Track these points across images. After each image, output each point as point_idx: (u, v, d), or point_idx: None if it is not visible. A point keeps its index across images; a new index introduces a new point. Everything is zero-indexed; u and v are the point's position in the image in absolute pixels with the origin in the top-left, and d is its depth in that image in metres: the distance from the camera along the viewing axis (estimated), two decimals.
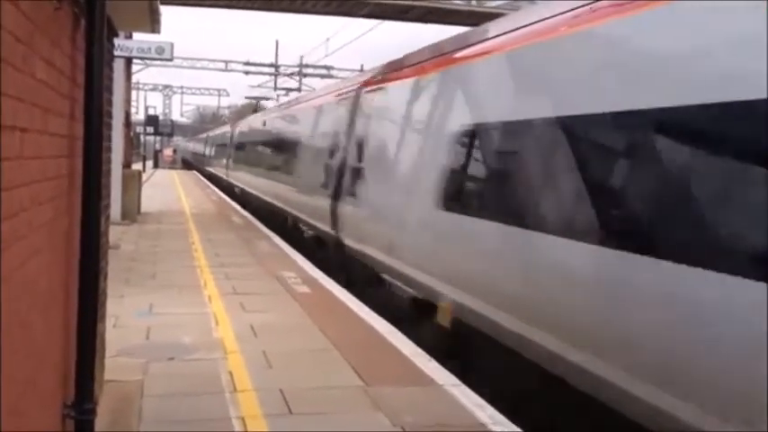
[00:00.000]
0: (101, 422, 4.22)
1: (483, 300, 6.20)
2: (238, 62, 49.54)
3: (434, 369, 6.16)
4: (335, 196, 11.19)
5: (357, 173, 10.26)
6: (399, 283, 8.21)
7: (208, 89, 69.70)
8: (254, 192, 21.96)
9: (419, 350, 6.70)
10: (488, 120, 6.57)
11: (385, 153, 9.39)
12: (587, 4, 5.57)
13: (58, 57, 3.25)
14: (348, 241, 10.51)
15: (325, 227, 11.76)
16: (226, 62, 50.31)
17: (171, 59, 16.35)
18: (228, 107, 75.77)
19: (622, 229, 4.66)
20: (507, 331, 5.78)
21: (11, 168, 2.41)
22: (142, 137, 48.90)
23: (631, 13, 4.92)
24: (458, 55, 7.78)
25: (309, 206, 13.32)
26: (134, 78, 31.97)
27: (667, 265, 4.14)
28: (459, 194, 6.94)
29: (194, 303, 8.45)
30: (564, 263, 5.07)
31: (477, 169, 6.80)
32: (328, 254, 11.66)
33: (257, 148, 23.05)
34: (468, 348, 6.70)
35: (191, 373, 5.83)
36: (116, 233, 13.34)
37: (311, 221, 13.14)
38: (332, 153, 11.99)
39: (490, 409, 5.22)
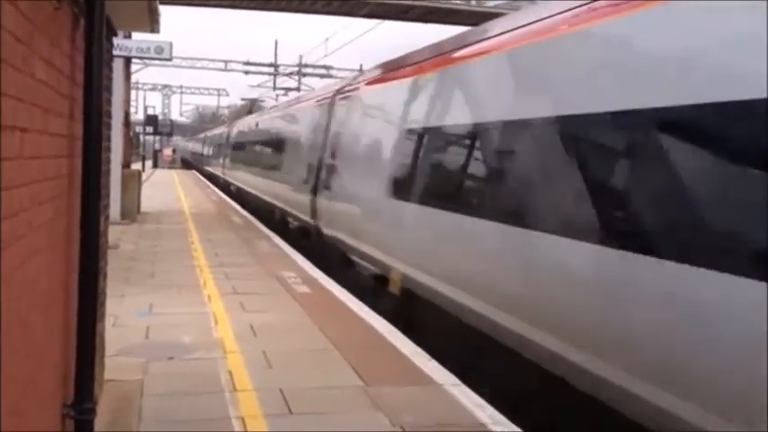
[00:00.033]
0: (100, 422, 4.22)
1: (423, 271, 7.59)
2: (238, 62, 49.53)
3: (434, 369, 6.16)
4: (314, 191, 12.85)
5: (330, 170, 12.02)
6: (364, 263, 9.65)
7: (207, 89, 69.65)
8: (246, 188, 23.82)
9: (419, 350, 6.70)
10: (424, 125, 8.19)
11: (351, 152, 11.08)
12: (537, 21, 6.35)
13: (57, 56, 3.25)
14: (325, 230, 12.09)
15: (306, 217, 13.46)
16: (225, 62, 50.29)
17: (170, 59, 16.36)
18: (228, 107, 75.75)
19: (523, 205, 5.79)
20: (441, 295, 7.12)
21: (11, 168, 2.41)
22: (141, 137, 48.93)
23: (591, 24, 5.40)
24: (403, 70, 9.56)
25: (293, 200, 15.01)
26: (133, 78, 31.97)
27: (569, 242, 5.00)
28: (404, 185, 8.36)
29: (194, 303, 8.45)
30: (473, 237, 6.50)
31: (420, 164, 8.08)
32: (311, 242, 13.16)
33: (249, 148, 24.92)
34: (413, 311, 8.03)
35: (190, 373, 5.83)
36: (115, 233, 13.34)
37: (295, 213, 14.79)
38: (312, 152, 13.71)
39: (490, 409, 5.22)
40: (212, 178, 39.92)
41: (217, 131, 45.27)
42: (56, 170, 3.31)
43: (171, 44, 15.31)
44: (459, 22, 26.88)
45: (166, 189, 30.82)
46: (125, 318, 7.50)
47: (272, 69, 48.71)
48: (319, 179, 12.64)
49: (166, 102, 70.76)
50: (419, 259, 7.76)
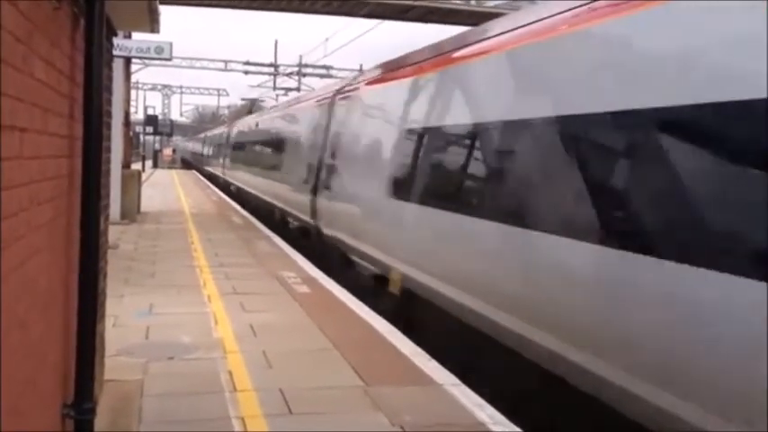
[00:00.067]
0: (100, 422, 4.22)
1: (423, 271, 7.71)
2: (238, 62, 49.47)
3: (434, 369, 6.16)
4: (314, 191, 12.91)
5: (330, 170, 12.03)
6: (364, 263, 9.74)
7: (207, 89, 69.61)
8: (246, 188, 23.96)
9: (419, 350, 6.70)
10: (422, 125, 8.29)
11: (351, 152, 11.11)
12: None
13: (57, 56, 3.25)
14: (325, 230, 12.14)
15: (306, 217, 13.53)
16: (225, 62, 50.25)
17: (170, 59, 16.37)
18: (228, 107, 75.73)
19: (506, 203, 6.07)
20: (441, 295, 7.20)
21: (10, 168, 2.41)
22: (141, 136, 48.92)
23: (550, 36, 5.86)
24: (402, 71, 9.68)
25: (293, 200, 15.07)
26: (133, 78, 31.96)
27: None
28: (403, 185, 8.49)
29: (194, 303, 8.45)
30: (470, 235, 6.58)
31: (419, 164, 8.18)
32: (311, 242, 13.27)
33: (249, 149, 25.08)
34: (413, 311, 8.07)
35: (190, 373, 5.83)
36: (115, 233, 13.34)
37: (295, 213, 14.86)
38: (312, 152, 13.76)
39: (490, 409, 5.22)
40: (212, 178, 40.19)
41: (216, 131, 45.61)
42: (56, 170, 3.31)
43: (171, 44, 15.31)
44: (459, 22, 26.85)
45: (166, 189, 30.82)
46: (125, 318, 7.50)
47: (272, 69, 48.70)
48: (319, 179, 12.70)
49: (166, 102, 70.77)
50: (418, 259, 7.83)
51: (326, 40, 40.86)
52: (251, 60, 48.49)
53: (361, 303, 8.69)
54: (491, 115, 6.63)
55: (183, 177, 43.00)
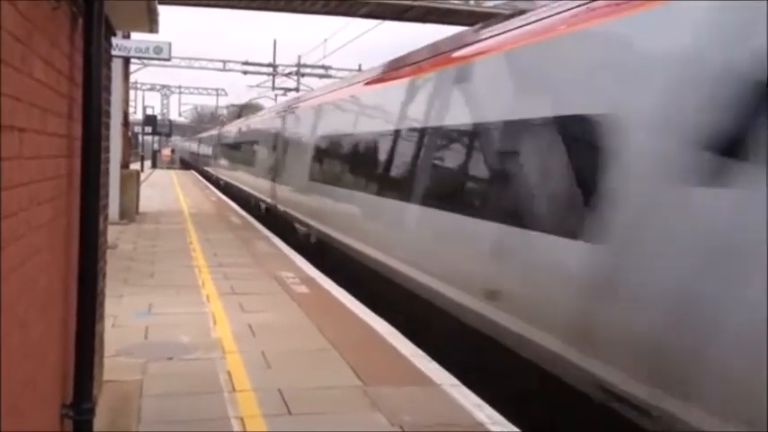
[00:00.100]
0: (99, 422, 4.22)
1: (320, 222, 12.51)
2: (236, 62, 49.37)
3: (433, 369, 6.16)
4: (273, 179, 17.96)
5: (281, 164, 17.13)
6: (299, 226, 14.57)
7: (206, 89, 69.56)
8: (230, 180, 29.59)
9: (418, 351, 6.70)
10: (328, 133, 12.80)
11: (291, 151, 16.23)
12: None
13: (56, 56, 3.24)
14: (279, 206, 17.05)
15: (269, 199, 18.55)
16: (224, 62, 50.16)
17: (169, 59, 16.34)
18: (227, 107, 75.67)
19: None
20: (338, 241, 11.18)
21: (10, 168, 2.41)
22: (140, 137, 48.90)
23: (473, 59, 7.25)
24: (321, 94, 15.21)
25: (261, 187, 20.19)
26: (132, 78, 31.95)
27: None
28: (317, 172, 13.24)
29: (193, 303, 8.45)
30: (351, 201, 10.52)
31: (323, 158, 13.02)
32: (273, 216, 18.10)
33: (232, 149, 30.80)
34: (323, 252, 12.39)
35: (189, 373, 5.83)
36: (114, 233, 13.33)
37: (263, 197, 19.94)
38: (272, 151, 19.01)
39: (489, 409, 5.23)
40: (207, 177, 42.59)
41: (209, 134, 49.65)
42: (55, 170, 3.30)
43: (170, 44, 15.30)
44: (457, 22, 26.83)
45: (165, 189, 30.81)
46: (124, 318, 7.50)
47: (270, 69, 48.68)
48: (276, 171, 17.74)
49: (165, 102, 70.71)
50: (323, 219, 12.24)
51: (325, 41, 40.87)
52: (250, 60, 48.44)
53: (359, 304, 8.69)
54: (360, 128, 10.96)
55: (181, 178, 43.00)
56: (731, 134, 3.79)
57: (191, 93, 70.66)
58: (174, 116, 73.78)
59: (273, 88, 48.73)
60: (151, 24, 5.58)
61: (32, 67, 2.74)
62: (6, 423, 2.46)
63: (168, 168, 61.48)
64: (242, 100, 63.70)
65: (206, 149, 47.84)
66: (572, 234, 4.88)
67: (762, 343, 3.32)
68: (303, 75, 47.36)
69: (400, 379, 5.89)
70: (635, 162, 4.46)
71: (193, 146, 62.83)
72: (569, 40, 5.60)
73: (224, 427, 4.76)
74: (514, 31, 6.58)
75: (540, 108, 5.68)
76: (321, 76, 45.10)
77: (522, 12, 7.11)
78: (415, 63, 9.08)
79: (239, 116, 47.32)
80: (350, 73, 33.78)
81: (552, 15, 6.04)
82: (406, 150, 8.54)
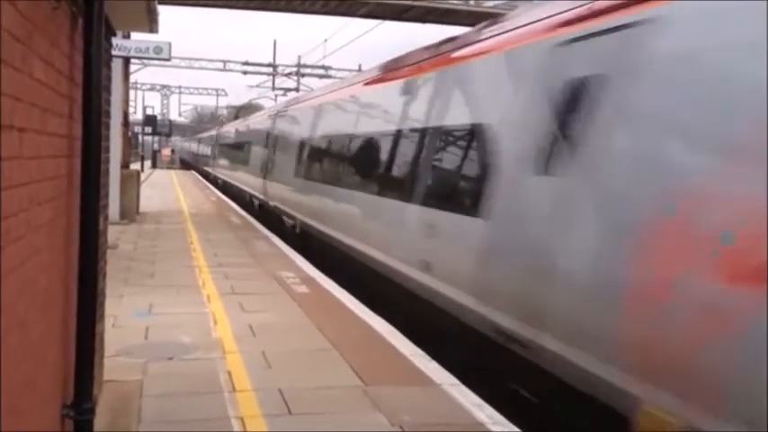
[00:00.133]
0: (100, 422, 4.22)
1: (304, 214, 14.00)
2: (236, 62, 49.41)
3: (433, 369, 6.16)
4: (264, 177, 19.35)
5: (272, 162, 18.52)
6: (287, 219, 15.95)
7: (206, 89, 69.61)
8: (227, 179, 31.14)
9: (418, 350, 6.71)
10: (311, 136, 14.33)
11: (280, 151, 17.66)
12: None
13: (56, 56, 3.24)
14: (270, 202, 18.48)
15: (261, 195, 20.01)
16: (224, 62, 50.19)
17: (169, 59, 16.35)
18: (227, 107, 75.70)
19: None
20: (318, 231, 12.56)
21: (10, 168, 2.41)
22: (140, 137, 48.91)
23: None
24: (306, 102, 16.59)
25: (254, 184, 21.56)
26: (132, 78, 31.94)
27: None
28: (302, 170, 14.59)
29: (193, 303, 8.45)
30: (344, 199, 11.01)
31: (305, 158, 14.47)
32: (265, 212, 19.52)
33: (229, 149, 32.18)
34: (308, 242, 13.75)
35: (190, 373, 5.83)
36: (114, 233, 13.34)
37: (255, 193, 21.41)
38: (264, 151, 20.40)
39: (489, 409, 5.23)
40: (207, 176, 43.30)
41: (207, 134, 50.50)
42: (55, 170, 3.30)
43: (170, 44, 15.30)
44: (457, 22, 26.83)
45: (165, 189, 30.81)
46: (124, 318, 7.50)
47: (270, 70, 48.68)
48: (267, 169, 19.05)
49: (165, 102, 70.72)
50: (310, 213, 13.35)
51: (325, 41, 40.87)
52: (250, 60, 48.47)
53: (359, 303, 8.70)
54: (330, 131, 12.85)
55: (181, 178, 43.01)
56: (553, 139, 5.27)
57: (191, 93, 70.74)
58: (174, 116, 73.90)
59: (273, 88, 48.77)
60: (151, 24, 5.58)
61: (32, 67, 2.74)
62: (6, 423, 2.46)
63: (168, 168, 61.51)
64: (242, 100, 63.78)
65: (205, 149, 48.65)
66: (474, 213, 6.29)
67: (579, 279, 4.69)
68: (303, 75, 47.39)
69: (400, 379, 5.89)
70: (504, 158, 6.06)
71: (193, 146, 63.21)
72: (471, 68, 7.40)
73: (224, 427, 4.76)
74: (436, 57, 8.63)
75: (442, 119, 7.66)
76: (321, 77, 45.13)
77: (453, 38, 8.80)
78: (372, 78, 11.33)
79: (237, 117, 47.73)
80: (350, 73, 33.89)
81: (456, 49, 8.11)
82: (362, 151, 10.47)
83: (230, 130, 34.81)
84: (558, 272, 4.88)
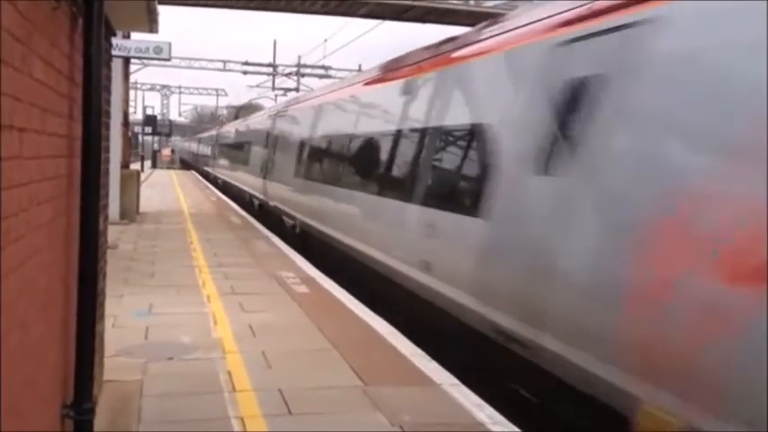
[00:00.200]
0: (100, 422, 4.22)
1: (303, 213, 14.14)
2: (236, 62, 49.39)
3: (433, 369, 6.16)
4: (264, 177, 19.53)
5: (272, 162, 18.66)
6: (287, 219, 16.08)
7: (206, 89, 69.59)
8: (227, 179, 31.42)
9: (418, 350, 6.71)
10: (311, 136, 14.47)
11: (281, 151, 17.80)
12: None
13: (56, 56, 3.24)
14: (270, 201, 18.65)
15: (261, 195, 20.19)
16: (224, 62, 50.18)
17: (169, 59, 16.35)
18: (227, 107, 75.72)
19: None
20: (318, 230, 12.65)
21: (9, 168, 2.41)
22: (140, 137, 48.91)
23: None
24: (305, 102, 16.79)
25: (254, 184, 21.75)
26: (132, 78, 31.93)
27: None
28: (302, 170, 14.61)
29: (193, 303, 8.45)
30: (345, 200, 10.94)
31: (307, 158, 14.48)
32: (265, 212, 19.75)
33: (228, 149, 32.64)
34: (308, 242, 13.82)
35: (190, 373, 5.83)
36: (115, 233, 13.34)
37: (255, 193, 21.62)
38: (264, 151, 20.55)
39: (489, 409, 5.23)
40: (206, 176, 43.50)
41: (207, 134, 50.76)
42: (55, 170, 3.30)
43: (170, 44, 15.30)
44: (457, 22, 26.83)
45: (165, 189, 30.81)
46: (124, 318, 7.50)
47: (270, 69, 48.68)
48: (267, 170, 19.22)
49: (165, 102, 70.70)
50: (311, 213, 13.40)
51: (325, 41, 40.86)
52: (250, 60, 48.47)
53: (360, 303, 8.70)
54: (323, 133, 13.36)
55: (181, 178, 43.01)
56: (551, 142, 5.31)
57: (191, 93, 70.73)
58: (174, 116, 73.89)
59: (273, 88, 48.75)
60: (151, 24, 5.58)
61: (32, 67, 2.74)
62: (6, 423, 2.46)
63: (168, 168, 61.53)
64: (242, 100, 63.79)
65: (205, 149, 48.88)
66: (474, 214, 6.32)
67: (578, 278, 4.70)
68: (303, 75, 47.38)
69: (400, 379, 5.89)
70: (504, 158, 6.08)
71: (193, 146, 63.31)
72: (471, 68, 7.44)
73: (224, 427, 4.76)
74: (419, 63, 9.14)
75: (435, 121, 7.85)
76: (321, 77, 45.11)
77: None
78: (371, 78, 11.55)
79: (236, 117, 47.86)
80: (350, 73, 33.95)
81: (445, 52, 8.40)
82: (362, 151, 10.58)
83: (230, 130, 35.02)
84: (558, 271, 4.88)
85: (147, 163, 54.58)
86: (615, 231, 4.45)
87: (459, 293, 6.48)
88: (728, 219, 3.69)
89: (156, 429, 4.67)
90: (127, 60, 19.11)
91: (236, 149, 28.68)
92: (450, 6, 27.37)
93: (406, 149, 8.50)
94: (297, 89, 45.85)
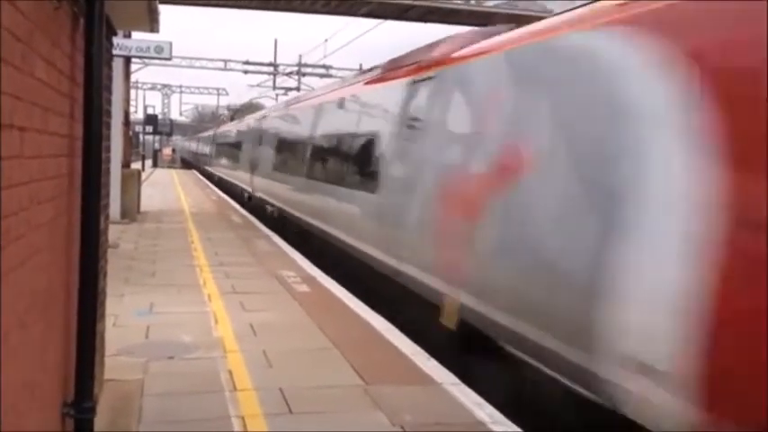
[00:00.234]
0: (100, 421, 4.23)
1: (278, 200, 17.10)
2: (237, 61, 49.34)
3: (434, 368, 6.17)
4: (252, 172, 22.20)
5: (258, 159, 21.33)
6: (268, 206, 18.66)
7: (207, 88, 69.54)
8: (223, 176, 33.95)
9: (419, 349, 6.71)
10: (286, 137, 17.56)
11: (265, 149, 20.42)
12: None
13: (57, 56, 3.25)
14: (255, 193, 21.52)
15: (248, 188, 23.08)
16: (225, 61, 50.16)
17: (170, 59, 16.36)
18: (227, 106, 75.72)
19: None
20: (296, 217, 14.88)
21: (10, 167, 2.41)
22: (141, 136, 48.92)
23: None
24: (290, 108, 19.40)
25: (242, 178, 24.67)
26: (133, 77, 31.95)
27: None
28: (279, 165, 17.60)
29: (194, 302, 8.45)
30: (309, 188, 13.63)
31: (281, 155, 17.84)
32: (253, 203, 22.48)
33: (224, 147, 35.40)
34: (286, 223, 16.14)
35: (190, 372, 5.83)
36: (115, 232, 13.34)
37: (243, 186, 24.51)
38: (252, 149, 23.20)
39: (489, 408, 5.23)
40: (205, 174, 44.68)
41: (206, 134, 52.07)
42: (56, 169, 3.31)
43: (170, 44, 15.29)
44: (459, 21, 26.81)
45: (166, 188, 30.83)
46: (125, 317, 7.51)
47: (271, 69, 48.66)
48: (253, 165, 21.90)
49: (166, 101, 70.70)
50: (289, 201, 15.72)
51: (326, 40, 40.83)
52: (250, 60, 48.43)
53: (360, 303, 8.71)
54: (292, 135, 16.45)
55: (182, 177, 43.02)
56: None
57: (191, 92, 70.75)
58: (174, 115, 73.89)
59: (274, 88, 48.72)
60: (152, 24, 5.59)
61: (34, 67, 2.74)
62: (7, 422, 2.46)
63: (169, 167, 61.58)
64: (243, 99, 63.82)
65: (204, 149, 49.97)
66: (372, 191, 9.26)
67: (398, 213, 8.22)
68: (304, 74, 47.37)
69: (401, 378, 5.89)
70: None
71: (193, 145, 63.65)
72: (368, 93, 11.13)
73: (225, 426, 4.76)
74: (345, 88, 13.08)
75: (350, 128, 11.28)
76: (322, 76, 45.10)
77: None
78: (321, 94, 15.31)
79: (232, 119, 48.45)
80: (349, 72, 34.07)
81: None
82: (312, 151, 13.93)
83: (225, 130, 38.80)
84: (408, 223, 7.86)
85: (148, 162, 54.62)
86: (426, 197, 7.52)
87: (365, 245, 9.41)
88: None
89: (156, 429, 4.67)
90: (128, 60, 19.12)
91: (230, 148, 31.87)
92: (452, 6, 27.35)
93: (334, 151, 12.26)
94: (298, 89, 45.86)
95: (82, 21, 3.74)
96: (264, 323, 7.51)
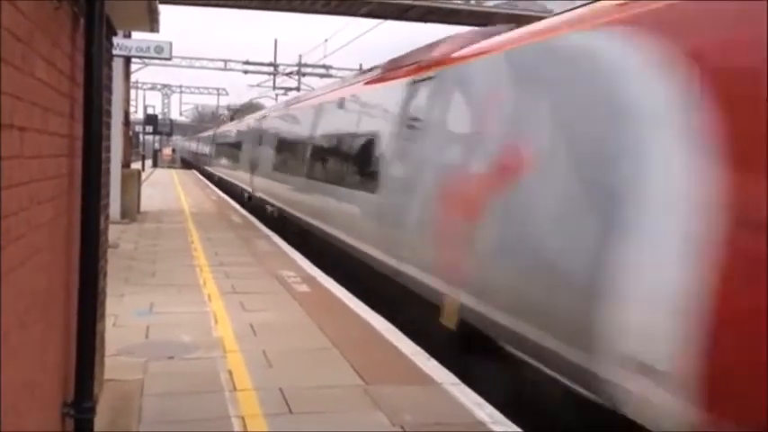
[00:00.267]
0: (100, 421, 4.23)
1: (278, 200, 17.23)
2: (237, 61, 49.33)
3: (434, 368, 6.17)
4: (252, 172, 22.44)
5: (257, 159, 21.51)
6: (269, 206, 18.77)
7: (207, 88, 69.54)
8: (223, 176, 34.28)
9: (419, 349, 6.71)
10: (285, 138, 17.83)
11: (264, 149, 20.58)
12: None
13: (57, 56, 3.25)
14: (255, 193, 21.75)
15: (248, 187, 23.33)
16: (225, 61, 50.15)
17: (170, 59, 16.36)
18: (227, 106, 75.72)
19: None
20: (293, 215, 15.21)
21: (10, 167, 2.41)
22: (141, 136, 48.94)
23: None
24: (287, 109, 19.98)
25: (242, 178, 24.89)
26: (133, 77, 31.96)
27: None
28: (278, 165, 17.80)
29: (194, 302, 8.45)
30: (308, 189, 13.74)
31: (280, 155, 18.07)
32: (252, 202, 22.74)
33: (224, 147, 35.87)
34: (285, 222, 16.45)
35: (190, 372, 5.83)
36: (115, 232, 13.34)
37: (243, 186, 24.73)
38: (252, 149, 23.52)
39: (489, 408, 5.23)
40: (205, 174, 44.89)
41: (206, 134, 52.63)
42: (56, 169, 3.31)
43: (170, 44, 15.29)
44: (459, 21, 26.81)
45: (166, 188, 30.83)
46: (125, 317, 7.51)
47: (271, 69, 48.65)
48: (253, 165, 22.13)
49: (166, 101, 70.69)
50: (287, 201, 15.99)
51: (326, 40, 40.82)
52: (250, 60, 48.42)
53: (360, 303, 8.71)
54: (314, 133, 14.64)
55: (182, 177, 43.02)
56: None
57: (192, 92, 70.74)
58: (174, 115, 73.88)
59: (274, 88, 48.71)
60: (152, 24, 5.59)
61: (34, 67, 2.74)
62: (7, 422, 2.46)
63: (169, 167, 61.60)
64: (243, 99, 63.83)
65: (204, 149, 50.23)
66: (372, 191, 9.36)
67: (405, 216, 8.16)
68: (304, 74, 47.37)
69: (401, 378, 5.89)
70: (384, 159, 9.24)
71: (193, 145, 63.80)
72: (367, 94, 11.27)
73: (225, 426, 4.76)
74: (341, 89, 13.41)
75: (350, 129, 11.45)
76: (322, 76, 45.09)
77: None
78: (321, 94, 15.44)
79: (232, 119, 48.64)
80: (349, 72, 34.10)
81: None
82: (312, 151, 14.00)
83: (225, 130, 39.19)
84: (408, 222, 7.91)
85: (148, 162, 54.61)
86: (416, 194, 7.82)
87: (365, 245, 9.46)
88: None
89: (156, 428, 4.67)
90: (128, 60, 19.12)
91: (230, 148, 32.18)
92: (453, 6, 27.35)
93: (334, 151, 12.35)
94: (298, 89, 45.86)
95: (82, 21, 3.74)
96: (264, 323, 7.51)
